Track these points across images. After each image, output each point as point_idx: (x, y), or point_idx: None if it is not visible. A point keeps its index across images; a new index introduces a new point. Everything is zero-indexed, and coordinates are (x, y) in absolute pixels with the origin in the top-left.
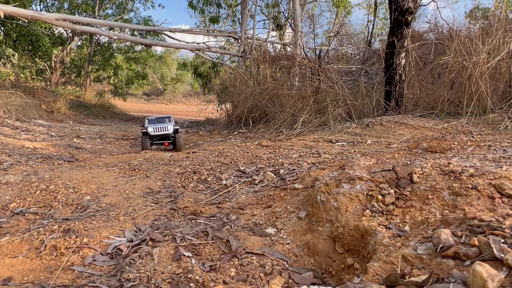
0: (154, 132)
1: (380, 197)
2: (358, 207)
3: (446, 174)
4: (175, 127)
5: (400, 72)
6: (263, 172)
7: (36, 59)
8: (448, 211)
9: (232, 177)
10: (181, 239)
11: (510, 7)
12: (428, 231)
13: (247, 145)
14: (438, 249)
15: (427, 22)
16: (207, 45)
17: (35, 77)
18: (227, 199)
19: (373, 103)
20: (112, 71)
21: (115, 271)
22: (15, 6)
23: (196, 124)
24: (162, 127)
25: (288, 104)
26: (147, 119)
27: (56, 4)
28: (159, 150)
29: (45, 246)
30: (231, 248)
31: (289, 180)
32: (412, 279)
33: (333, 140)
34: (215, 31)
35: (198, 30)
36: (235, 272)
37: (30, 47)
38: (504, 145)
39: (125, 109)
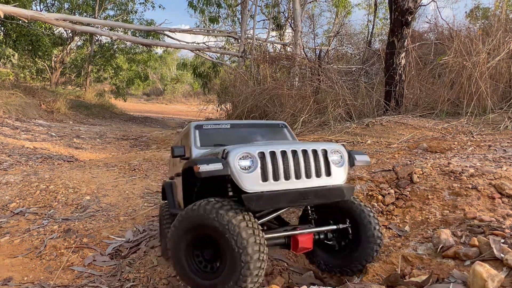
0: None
1: (380, 197)
2: None
3: (446, 174)
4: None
5: (400, 72)
6: None
7: (36, 59)
8: (448, 211)
9: None
10: None
11: (510, 7)
12: (428, 231)
13: None
14: (438, 249)
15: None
16: (207, 45)
17: (35, 77)
18: None
19: (373, 103)
20: (113, 71)
21: (115, 271)
22: (15, 6)
23: None
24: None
25: (288, 104)
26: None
27: (56, 4)
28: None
29: (45, 246)
30: None
31: None
32: (412, 279)
33: (333, 140)
34: (215, 31)
35: (198, 30)
36: None
37: (30, 47)
38: (504, 145)
39: (125, 109)
